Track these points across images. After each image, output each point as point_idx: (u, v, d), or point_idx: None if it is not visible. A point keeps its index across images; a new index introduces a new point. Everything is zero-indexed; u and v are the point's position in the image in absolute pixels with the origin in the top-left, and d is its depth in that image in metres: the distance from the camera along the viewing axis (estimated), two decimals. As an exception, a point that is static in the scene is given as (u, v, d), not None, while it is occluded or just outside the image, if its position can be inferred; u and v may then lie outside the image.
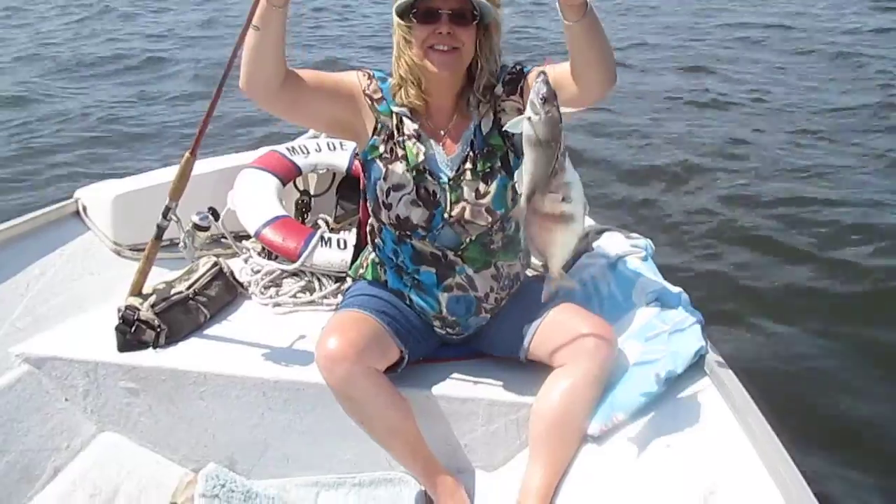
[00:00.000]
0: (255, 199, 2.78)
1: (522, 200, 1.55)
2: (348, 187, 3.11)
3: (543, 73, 1.52)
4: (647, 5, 13.22)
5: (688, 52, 9.67)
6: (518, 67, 2.02)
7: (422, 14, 1.86)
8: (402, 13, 1.90)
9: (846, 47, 9.64)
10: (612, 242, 2.47)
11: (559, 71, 1.79)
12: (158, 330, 2.26)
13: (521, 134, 1.52)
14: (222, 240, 2.81)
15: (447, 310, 2.08)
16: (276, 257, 2.68)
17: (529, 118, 1.49)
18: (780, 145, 6.00)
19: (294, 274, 2.63)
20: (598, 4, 1.61)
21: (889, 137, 6.17)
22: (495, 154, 2.00)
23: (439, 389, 2.09)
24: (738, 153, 5.86)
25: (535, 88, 1.49)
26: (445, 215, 1.99)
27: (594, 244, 2.50)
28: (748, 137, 6.19)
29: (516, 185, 1.57)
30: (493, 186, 1.98)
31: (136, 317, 2.25)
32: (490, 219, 1.99)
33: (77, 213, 2.82)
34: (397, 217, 2.00)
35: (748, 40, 10.40)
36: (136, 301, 2.30)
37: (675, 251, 3.89)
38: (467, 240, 2.01)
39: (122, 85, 8.72)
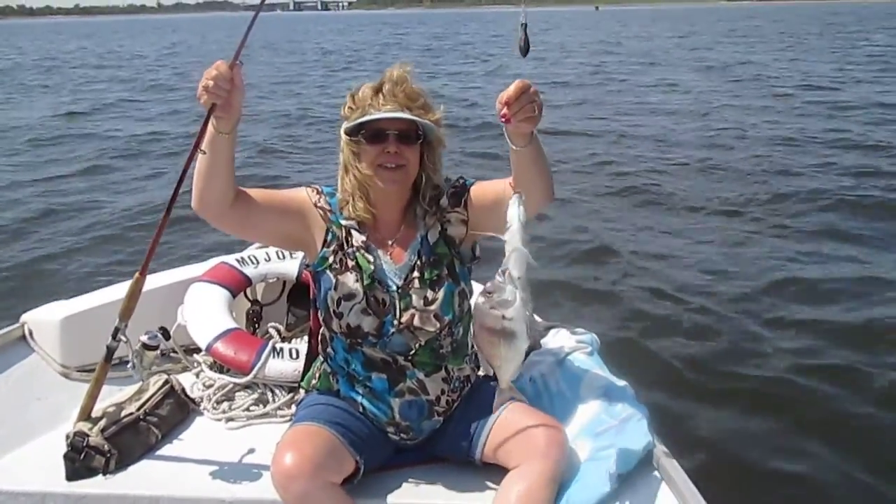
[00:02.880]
0: (206, 314, 2.79)
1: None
2: (299, 295, 3.15)
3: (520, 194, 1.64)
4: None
5: (622, 143, 10.13)
6: (461, 181, 2.14)
7: (370, 134, 1.99)
8: (351, 132, 2.02)
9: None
10: (559, 339, 2.55)
11: (496, 188, 1.93)
12: (108, 455, 2.22)
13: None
14: (172, 354, 2.80)
15: (400, 415, 2.11)
16: (228, 370, 2.68)
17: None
18: (721, 232, 6.28)
19: (247, 387, 2.63)
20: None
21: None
22: (441, 262, 2.09)
23: (396, 498, 2.09)
24: (679, 242, 6.11)
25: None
26: (395, 322, 2.05)
27: (542, 341, 2.57)
28: (688, 227, 6.45)
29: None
30: (441, 293, 2.06)
31: (85, 443, 2.21)
32: (438, 324, 2.06)
33: (23, 337, 2.79)
34: (348, 326, 2.05)
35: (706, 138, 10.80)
36: (85, 426, 2.26)
37: (619, 344, 4.01)
38: (417, 345, 2.07)
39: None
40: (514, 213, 1.59)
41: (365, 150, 2.01)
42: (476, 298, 1.66)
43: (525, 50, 1.86)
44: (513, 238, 1.59)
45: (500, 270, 1.60)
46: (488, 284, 1.62)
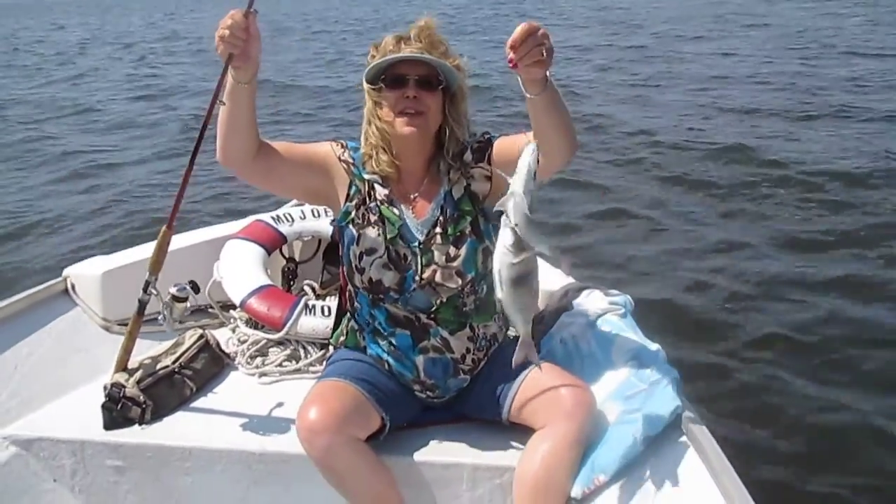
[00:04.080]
0: (241, 270, 2.82)
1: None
2: (334, 252, 3.13)
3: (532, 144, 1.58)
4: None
5: (665, 107, 9.85)
6: (486, 136, 2.11)
7: (391, 80, 1.98)
8: (372, 80, 2.00)
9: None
10: (592, 300, 2.50)
11: (520, 142, 1.88)
12: (144, 406, 2.27)
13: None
14: (209, 310, 2.85)
15: (425, 373, 2.11)
16: (262, 326, 2.71)
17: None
18: (759, 198, 6.09)
19: (280, 343, 2.66)
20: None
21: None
22: (465, 219, 2.07)
23: (422, 455, 2.10)
24: (716, 206, 5.97)
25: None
26: (416, 278, 2.05)
27: (574, 302, 2.53)
28: (725, 190, 6.28)
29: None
30: (464, 250, 2.04)
31: (121, 394, 2.27)
32: (460, 281, 2.05)
33: (66, 290, 2.86)
34: (370, 280, 2.06)
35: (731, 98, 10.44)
36: (122, 377, 2.32)
37: (653, 306, 3.94)
38: (438, 302, 2.06)
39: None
40: (525, 161, 1.54)
41: (385, 96, 2.00)
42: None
43: None
44: (514, 184, 1.54)
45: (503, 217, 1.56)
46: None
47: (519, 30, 1.57)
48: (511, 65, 1.60)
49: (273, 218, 3.13)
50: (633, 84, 11.90)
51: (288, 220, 3.14)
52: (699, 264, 4.88)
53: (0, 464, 2.18)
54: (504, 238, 1.56)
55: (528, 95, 1.70)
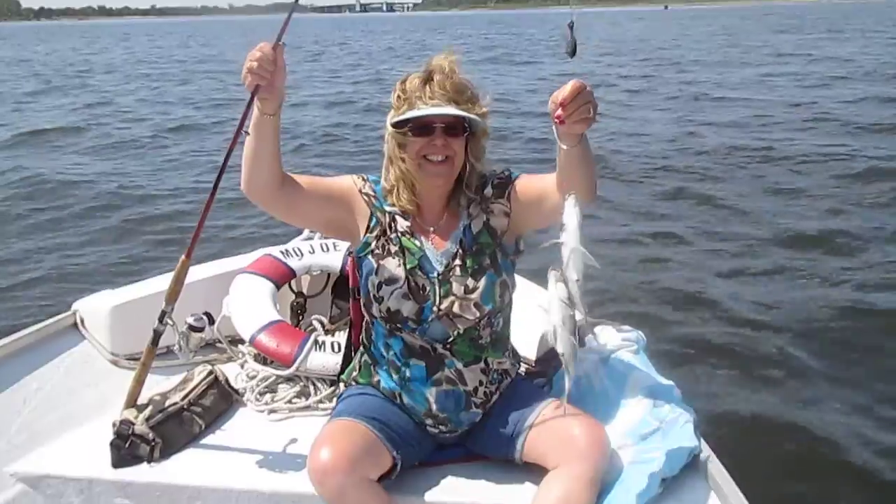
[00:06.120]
0: (250, 305, 2.81)
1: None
2: (343, 287, 3.14)
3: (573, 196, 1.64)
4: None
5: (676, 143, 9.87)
6: (507, 173, 2.13)
7: (418, 128, 1.99)
8: (398, 125, 2.02)
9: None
10: (605, 337, 2.48)
11: (541, 183, 1.90)
12: (153, 444, 2.25)
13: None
14: (217, 345, 2.84)
15: (437, 405, 2.09)
16: (271, 362, 2.69)
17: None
18: (773, 233, 6.06)
19: (289, 379, 2.64)
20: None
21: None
22: (484, 252, 2.08)
23: (434, 495, 2.07)
24: (728, 242, 5.93)
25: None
26: (435, 309, 2.05)
27: (586, 338, 2.51)
28: (738, 227, 6.26)
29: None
30: (482, 283, 2.05)
31: (130, 431, 2.24)
32: (478, 313, 2.05)
33: (75, 325, 2.86)
34: (388, 310, 2.06)
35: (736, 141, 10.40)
36: (130, 414, 2.30)
37: (666, 343, 3.91)
38: (455, 333, 2.07)
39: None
40: (571, 213, 1.59)
41: (411, 141, 2.01)
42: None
43: (573, 51, 1.85)
44: (570, 239, 1.58)
45: (554, 272, 1.61)
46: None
47: (569, 87, 1.60)
48: (558, 121, 1.62)
49: (282, 252, 3.13)
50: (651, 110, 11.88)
51: (297, 255, 3.14)
52: (712, 299, 4.84)
53: (7, 501, 2.16)
54: (563, 293, 1.62)
55: (563, 147, 1.73)
